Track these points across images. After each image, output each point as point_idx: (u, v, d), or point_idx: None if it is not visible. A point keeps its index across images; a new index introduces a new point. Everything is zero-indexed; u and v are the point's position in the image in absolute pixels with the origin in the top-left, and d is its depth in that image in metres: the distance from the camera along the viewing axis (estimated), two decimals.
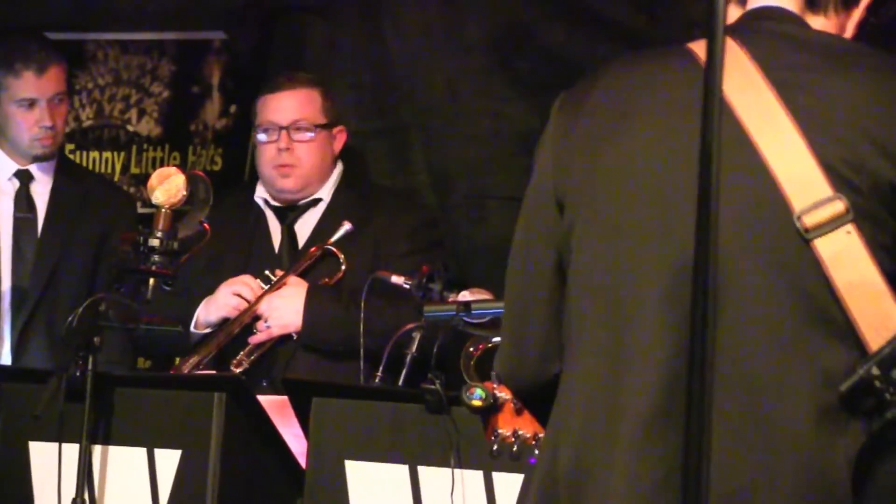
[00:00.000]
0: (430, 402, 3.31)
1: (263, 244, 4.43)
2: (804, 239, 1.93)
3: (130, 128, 5.60)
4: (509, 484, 3.27)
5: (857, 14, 2.14)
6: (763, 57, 2.01)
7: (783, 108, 1.96)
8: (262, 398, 3.68)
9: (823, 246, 1.92)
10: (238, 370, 4.20)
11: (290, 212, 4.45)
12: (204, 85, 5.52)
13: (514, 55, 4.92)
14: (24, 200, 4.69)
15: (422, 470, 3.38)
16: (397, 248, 4.31)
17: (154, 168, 5.16)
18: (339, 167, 4.51)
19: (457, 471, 3.31)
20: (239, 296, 4.27)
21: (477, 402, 2.54)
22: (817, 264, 1.92)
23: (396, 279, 3.94)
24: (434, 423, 3.34)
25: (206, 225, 3.80)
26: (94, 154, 5.63)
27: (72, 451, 3.58)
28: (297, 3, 5.26)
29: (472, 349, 3.41)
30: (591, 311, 2.05)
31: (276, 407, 3.68)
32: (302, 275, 4.31)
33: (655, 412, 1.96)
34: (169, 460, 3.61)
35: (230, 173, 5.36)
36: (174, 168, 3.79)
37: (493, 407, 2.51)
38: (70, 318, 3.65)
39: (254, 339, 4.26)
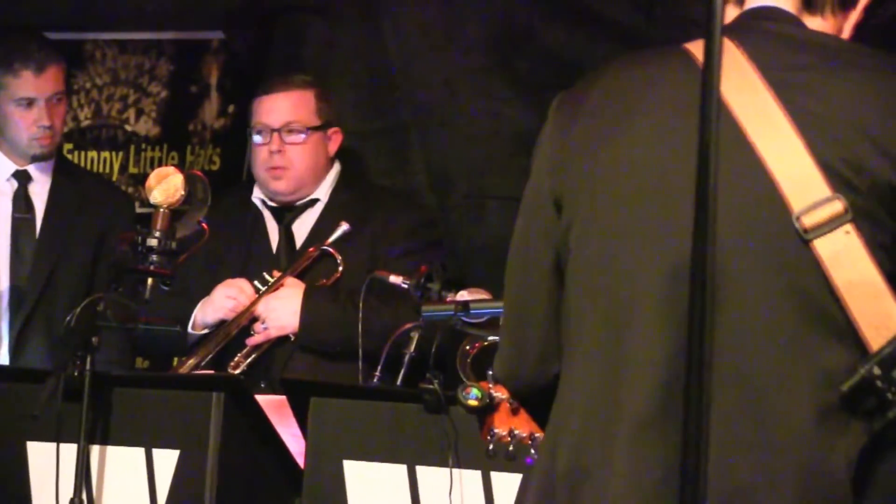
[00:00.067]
0: (428, 402, 3.30)
1: (261, 244, 4.43)
2: (803, 239, 1.92)
3: (129, 127, 5.60)
4: (508, 484, 3.27)
5: (855, 16, 2.13)
6: (760, 57, 2.00)
7: (781, 109, 1.96)
8: (260, 398, 3.68)
9: (822, 246, 1.92)
10: (236, 372, 4.19)
11: (287, 212, 4.45)
12: (202, 85, 5.52)
13: (514, 55, 4.92)
14: (22, 201, 4.69)
15: (420, 470, 3.38)
16: (395, 248, 4.31)
17: (152, 168, 5.17)
18: (337, 167, 4.50)
19: (455, 470, 3.31)
20: (234, 300, 4.27)
21: (473, 402, 2.54)
22: (817, 264, 1.92)
23: (395, 279, 3.95)
24: (432, 423, 3.33)
25: (204, 225, 3.80)
26: (93, 154, 5.63)
27: (70, 450, 3.58)
28: (295, 3, 5.26)
29: (468, 348, 3.41)
30: (590, 311, 2.05)
31: (274, 407, 3.68)
32: (299, 275, 4.31)
33: (654, 412, 1.96)
34: (167, 460, 3.61)
35: (228, 173, 5.36)
36: (172, 168, 3.79)
37: (489, 407, 2.51)
38: (68, 318, 3.65)
39: (251, 341, 4.26)
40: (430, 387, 3.29)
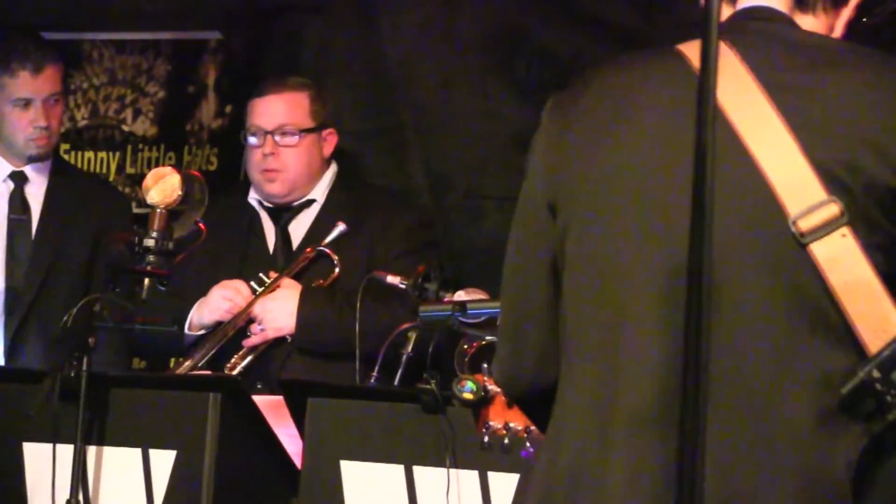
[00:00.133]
0: (425, 402, 3.30)
1: (258, 245, 4.43)
2: (800, 243, 1.92)
3: (126, 128, 5.60)
4: (505, 484, 3.27)
5: (846, 14, 2.13)
6: (754, 59, 2.00)
7: (775, 111, 1.95)
8: (257, 398, 3.68)
9: (819, 249, 1.91)
10: (233, 373, 4.19)
11: (284, 213, 4.44)
12: (199, 85, 5.51)
13: (511, 55, 4.93)
14: (18, 202, 4.68)
15: (417, 470, 3.38)
16: (392, 249, 4.30)
17: (149, 168, 5.16)
18: (334, 168, 4.50)
19: (452, 471, 3.31)
20: (231, 301, 4.27)
21: (468, 395, 2.53)
22: (813, 268, 1.92)
23: (392, 279, 3.94)
24: (430, 423, 3.33)
25: (201, 225, 3.80)
26: (90, 154, 5.62)
27: (66, 451, 3.58)
28: (293, 3, 5.26)
29: (465, 347, 3.41)
30: (587, 313, 2.05)
31: (271, 407, 3.68)
32: (296, 276, 4.31)
33: (652, 414, 1.95)
34: (164, 461, 3.61)
35: (225, 173, 5.35)
36: (169, 168, 3.79)
37: (484, 400, 2.50)
38: (65, 319, 3.65)
39: (248, 342, 4.26)
40: (428, 387, 3.30)
